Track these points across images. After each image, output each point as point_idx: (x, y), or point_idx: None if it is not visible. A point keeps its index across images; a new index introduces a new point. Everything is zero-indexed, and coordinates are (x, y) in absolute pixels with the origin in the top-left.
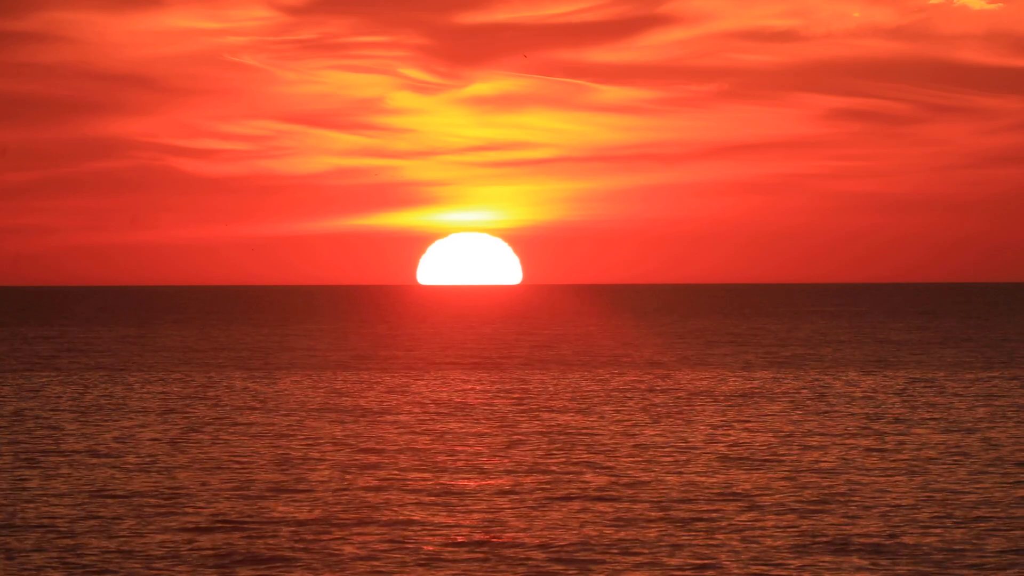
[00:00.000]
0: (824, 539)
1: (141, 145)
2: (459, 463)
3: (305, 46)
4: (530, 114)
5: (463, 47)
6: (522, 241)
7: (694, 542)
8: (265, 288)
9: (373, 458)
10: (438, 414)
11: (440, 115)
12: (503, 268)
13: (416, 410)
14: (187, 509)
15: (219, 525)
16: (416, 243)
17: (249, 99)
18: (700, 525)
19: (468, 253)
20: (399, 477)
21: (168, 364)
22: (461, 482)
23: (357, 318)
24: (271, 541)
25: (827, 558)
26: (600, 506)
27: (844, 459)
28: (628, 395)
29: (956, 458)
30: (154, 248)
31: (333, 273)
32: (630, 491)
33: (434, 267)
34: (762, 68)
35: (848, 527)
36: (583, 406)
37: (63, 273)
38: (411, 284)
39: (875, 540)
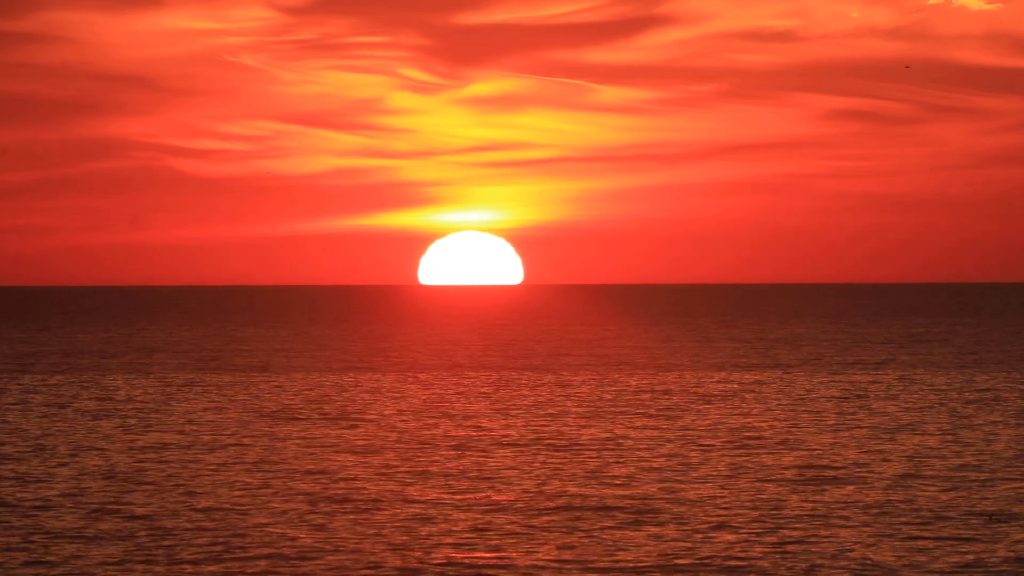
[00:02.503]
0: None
1: (140, 145)
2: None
3: (304, 46)
4: (530, 114)
5: (463, 47)
6: (522, 241)
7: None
8: (265, 288)
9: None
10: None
11: (439, 115)
12: (504, 268)
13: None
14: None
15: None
16: (417, 243)
17: (248, 99)
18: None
19: (469, 253)
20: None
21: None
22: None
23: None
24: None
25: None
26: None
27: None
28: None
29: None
30: (153, 248)
31: (334, 273)
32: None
33: (435, 267)
34: (761, 68)
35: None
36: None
37: (62, 273)
38: (413, 284)
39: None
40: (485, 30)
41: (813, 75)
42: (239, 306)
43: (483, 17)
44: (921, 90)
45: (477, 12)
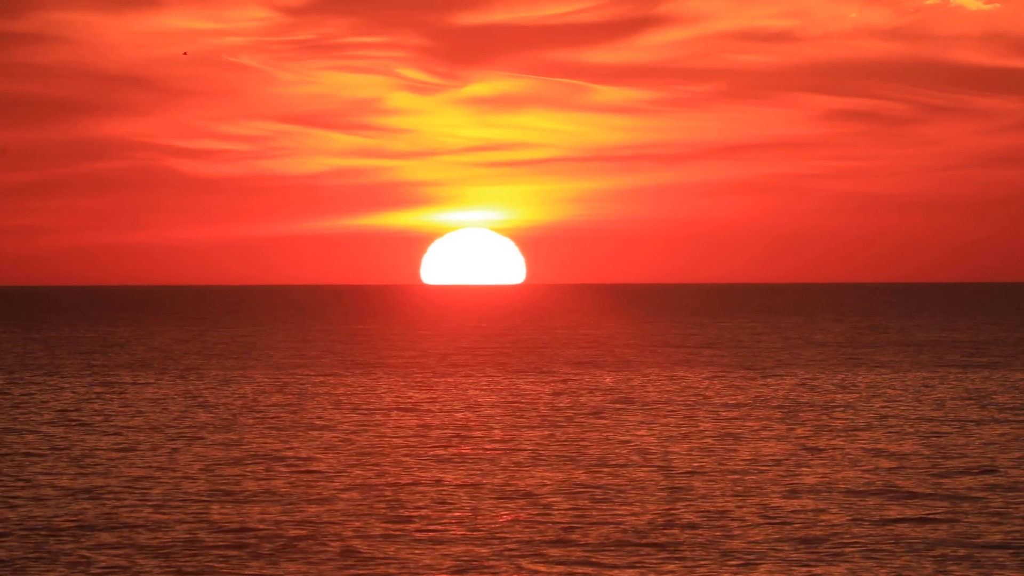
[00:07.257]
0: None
1: (139, 146)
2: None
3: (303, 47)
4: (528, 114)
5: (461, 47)
6: (522, 240)
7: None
8: (265, 289)
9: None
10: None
11: (438, 115)
12: (506, 267)
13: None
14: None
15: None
16: (417, 243)
17: (247, 100)
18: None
19: (472, 252)
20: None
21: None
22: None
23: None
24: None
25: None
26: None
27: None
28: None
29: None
30: (152, 249)
31: (335, 274)
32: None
33: (438, 266)
34: (759, 69)
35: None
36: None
37: (60, 274)
38: (415, 284)
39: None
40: (484, 30)
41: (812, 75)
42: (236, 306)
43: (482, 17)
44: (920, 90)
45: (476, 12)
